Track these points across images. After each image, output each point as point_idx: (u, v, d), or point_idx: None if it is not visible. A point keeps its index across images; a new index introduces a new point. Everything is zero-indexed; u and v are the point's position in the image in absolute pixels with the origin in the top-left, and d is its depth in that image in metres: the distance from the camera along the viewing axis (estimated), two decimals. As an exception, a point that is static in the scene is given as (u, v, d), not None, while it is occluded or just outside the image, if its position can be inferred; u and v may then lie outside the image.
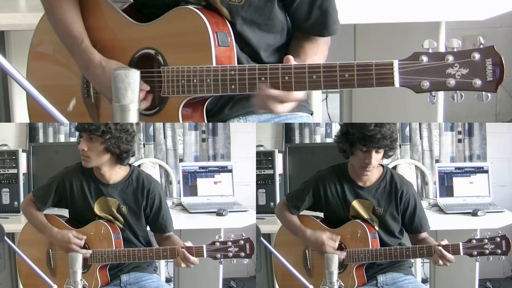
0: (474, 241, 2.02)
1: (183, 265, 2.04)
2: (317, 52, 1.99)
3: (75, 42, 1.97)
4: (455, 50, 1.57)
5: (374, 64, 1.63)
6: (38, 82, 2.09)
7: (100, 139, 2.06)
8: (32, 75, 2.13)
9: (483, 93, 1.56)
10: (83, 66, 1.96)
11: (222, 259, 2.02)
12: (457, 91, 1.58)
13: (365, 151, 2.09)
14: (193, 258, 2.02)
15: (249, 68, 1.76)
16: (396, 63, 1.61)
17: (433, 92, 1.60)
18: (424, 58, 1.59)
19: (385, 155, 2.14)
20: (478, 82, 1.55)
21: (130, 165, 2.21)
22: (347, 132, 2.11)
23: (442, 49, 1.60)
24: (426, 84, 1.59)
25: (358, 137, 2.07)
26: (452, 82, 1.57)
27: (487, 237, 2.01)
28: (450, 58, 1.57)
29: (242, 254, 2.02)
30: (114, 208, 2.16)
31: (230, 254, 2.02)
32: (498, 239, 2.01)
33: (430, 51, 1.59)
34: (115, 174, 2.16)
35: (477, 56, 1.55)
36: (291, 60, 1.74)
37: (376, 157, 2.10)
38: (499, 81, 1.54)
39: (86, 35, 1.97)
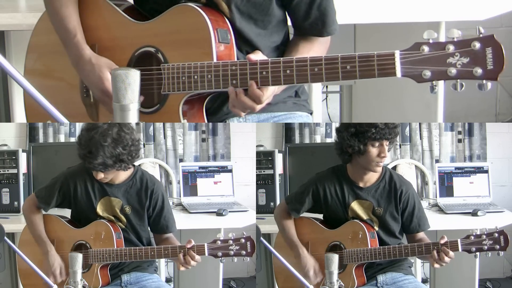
0: (472, 237, 2.02)
1: (182, 268, 2.04)
2: (310, 51, 1.99)
3: (68, 35, 1.99)
4: (455, 39, 1.58)
5: (376, 55, 1.64)
6: (37, 82, 2.09)
7: (113, 168, 2.07)
8: (30, 76, 2.12)
9: (484, 81, 1.56)
10: (74, 61, 1.98)
11: (223, 258, 2.02)
12: (458, 80, 1.58)
13: (377, 145, 2.11)
14: (198, 257, 2.03)
15: (250, 63, 1.77)
16: (397, 53, 1.62)
17: (434, 82, 1.60)
18: (425, 48, 1.59)
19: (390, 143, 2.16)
20: (479, 70, 1.56)
21: (133, 165, 2.21)
22: (357, 132, 2.11)
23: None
24: (427, 73, 1.60)
25: (373, 133, 2.08)
26: (453, 71, 1.58)
27: (485, 233, 2.02)
28: (451, 48, 1.58)
29: (243, 252, 2.02)
30: (118, 208, 2.16)
31: (231, 253, 2.02)
32: (496, 234, 2.01)
33: (431, 41, 1.60)
34: (120, 174, 2.16)
35: (477, 45, 1.56)
36: (251, 59, 1.76)
37: (389, 144, 2.14)
38: (500, 69, 1.55)
39: (80, 30, 1.99)
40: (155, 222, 2.20)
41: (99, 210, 2.17)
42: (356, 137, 2.10)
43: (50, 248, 2.17)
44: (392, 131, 2.10)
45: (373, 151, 2.12)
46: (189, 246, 2.03)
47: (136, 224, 2.18)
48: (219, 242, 2.02)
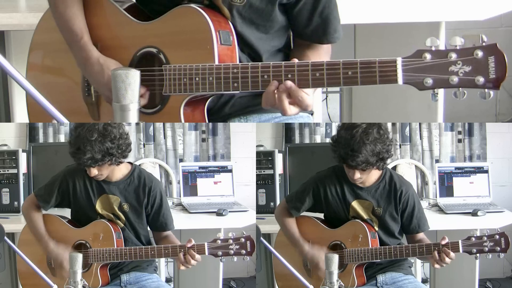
0: (473, 238, 2.02)
1: (182, 267, 2.05)
2: (319, 60, 1.98)
3: (74, 38, 1.98)
4: (457, 48, 1.58)
5: (378, 62, 1.64)
6: (38, 81, 2.10)
7: (104, 163, 2.07)
8: (32, 74, 2.13)
9: (486, 90, 1.56)
10: (81, 63, 1.97)
11: (223, 257, 2.03)
12: (460, 88, 1.58)
13: (348, 167, 2.10)
14: (198, 256, 2.04)
15: (252, 66, 1.76)
16: (399, 61, 1.61)
17: (435, 90, 1.60)
18: (427, 56, 1.59)
19: (376, 168, 2.13)
20: (481, 79, 1.56)
21: (131, 163, 2.22)
22: (335, 144, 2.10)
23: (442, 48, 1.60)
24: (429, 81, 1.59)
25: (341, 155, 2.07)
26: (455, 79, 1.57)
27: (486, 234, 2.02)
28: (453, 56, 1.58)
29: (243, 251, 2.02)
30: (116, 206, 2.17)
31: (231, 252, 2.02)
32: (497, 236, 2.01)
33: (433, 49, 1.59)
34: (117, 171, 2.17)
35: (479, 53, 1.56)
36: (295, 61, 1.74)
37: (362, 173, 2.10)
38: (502, 78, 1.55)
39: (86, 31, 1.98)
40: (154, 219, 2.21)
41: (98, 208, 2.17)
42: (335, 146, 2.10)
43: (51, 243, 2.17)
44: (363, 164, 2.04)
45: (345, 167, 2.12)
46: (189, 245, 2.03)
47: (135, 221, 2.19)
48: (219, 241, 2.03)
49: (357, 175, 2.10)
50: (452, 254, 2.03)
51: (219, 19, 1.88)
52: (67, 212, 2.26)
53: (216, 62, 1.81)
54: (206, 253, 2.03)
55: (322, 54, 2.02)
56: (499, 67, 1.54)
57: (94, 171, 2.09)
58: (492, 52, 1.55)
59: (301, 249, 2.25)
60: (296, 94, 1.73)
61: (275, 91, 1.74)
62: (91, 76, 1.95)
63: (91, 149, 2.01)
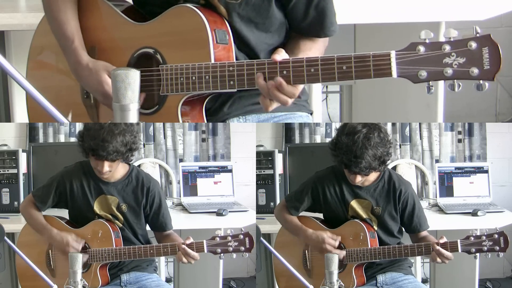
0: (472, 238, 2.02)
1: (184, 260, 2.05)
2: (312, 48, 1.99)
3: (66, 42, 1.98)
4: (451, 39, 1.57)
5: (372, 56, 1.64)
6: (38, 84, 2.09)
7: (122, 157, 2.08)
8: (31, 77, 2.13)
9: (481, 81, 1.56)
10: (73, 68, 1.98)
11: (222, 254, 2.03)
12: (455, 80, 1.58)
13: (349, 172, 2.11)
14: (194, 253, 2.04)
15: (247, 64, 1.77)
16: (393, 54, 1.61)
17: (430, 82, 1.60)
18: (421, 48, 1.59)
19: (377, 171, 2.14)
20: (475, 70, 1.55)
21: (129, 164, 2.22)
22: (335, 149, 2.09)
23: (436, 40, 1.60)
24: (423, 74, 1.59)
25: (343, 161, 2.07)
26: (449, 71, 1.57)
27: (485, 234, 2.02)
28: (447, 48, 1.57)
29: (242, 248, 2.03)
30: (114, 206, 2.17)
31: (230, 249, 2.03)
32: (496, 235, 2.01)
33: (427, 41, 1.59)
34: (116, 172, 2.17)
35: (473, 45, 1.55)
36: (276, 59, 1.74)
37: (363, 176, 2.11)
38: (496, 69, 1.54)
39: (78, 35, 1.99)
40: (154, 220, 2.22)
41: (96, 208, 2.17)
42: (334, 150, 2.09)
43: (53, 230, 2.16)
44: (366, 169, 2.05)
45: (346, 171, 2.13)
46: (188, 242, 2.03)
47: (133, 222, 2.19)
48: (217, 238, 2.03)
49: (358, 178, 2.10)
50: (448, 253, 2.04)
51: (215, 18, 1.88)
52: (65, 213, 2.26)
53: (212, 61, 1.81)
54: (205, 250, 2.03)
55: (316, 43, 2.02)
56: (494, 58, 1.54)
57: (106, 167, 2.08)
58: (486, 43, 1.54)
59: (304, 234, 2.24)
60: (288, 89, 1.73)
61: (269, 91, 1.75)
62: (82, 80, 1.96)
63: (115, 141, 2.01)
